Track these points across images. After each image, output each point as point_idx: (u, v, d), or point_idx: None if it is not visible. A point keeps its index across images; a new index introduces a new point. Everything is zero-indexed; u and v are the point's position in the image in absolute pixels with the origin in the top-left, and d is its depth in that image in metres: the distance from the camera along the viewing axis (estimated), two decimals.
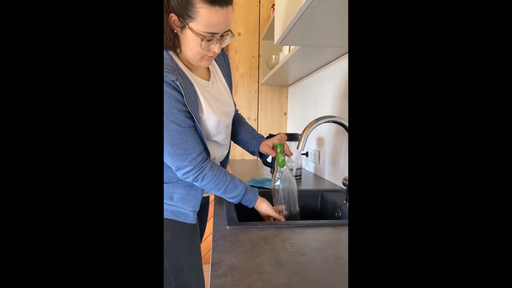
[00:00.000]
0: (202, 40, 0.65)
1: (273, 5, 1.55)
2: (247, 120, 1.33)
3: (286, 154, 0.81)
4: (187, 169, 0.71)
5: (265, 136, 0.93)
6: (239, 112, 1.00)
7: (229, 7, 0.65)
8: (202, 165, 0.72)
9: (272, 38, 1.70)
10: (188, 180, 0.74)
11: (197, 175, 0.72)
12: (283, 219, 0.78)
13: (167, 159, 0.72)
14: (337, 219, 0.85)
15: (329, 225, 0.67)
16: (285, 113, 1.94)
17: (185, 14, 0.64)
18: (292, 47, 1.09)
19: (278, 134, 0.87)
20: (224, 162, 0.91)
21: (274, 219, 0.78)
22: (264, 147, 0.87)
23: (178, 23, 0.65)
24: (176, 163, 0.71)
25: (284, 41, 0.86)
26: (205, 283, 0.86)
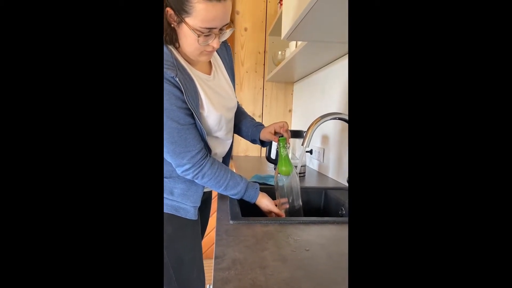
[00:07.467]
0: (199, 36, 0.63)
1: (281, 0, 1.53)
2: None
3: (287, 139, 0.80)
4: (186, 167, 0.70)
5: None
6: (240, 105, 0.99)
7: (227, 1, 0.62)
8: (202, 162, 0.71)
9: (279, 34, 1.69)
10: (188, 177, 0.73)
11: (197, 173, 0.71)
12: (283, 215, 0.78)
13: (167, 156, 0.71)
14: (341, 217, 0.84)
15: (332, 222, 0.67)
16: (290, 110, 1.93)
17: (181, 9, 0.61)
18: (299, 42, 1.08)
19: (279, 122, 0.85)
20: (226, 158, 0.90)
21: (276, 214, 0.77)
22: (265, 134, 0.86)
23: (175, 18, 0.63)
24: (175, 160, 0.70)
25: (291, 36, 0.85)
26: (208, 277, 0.86)
